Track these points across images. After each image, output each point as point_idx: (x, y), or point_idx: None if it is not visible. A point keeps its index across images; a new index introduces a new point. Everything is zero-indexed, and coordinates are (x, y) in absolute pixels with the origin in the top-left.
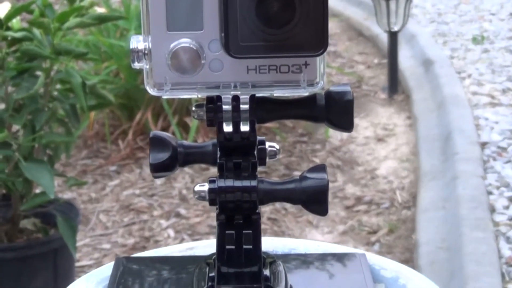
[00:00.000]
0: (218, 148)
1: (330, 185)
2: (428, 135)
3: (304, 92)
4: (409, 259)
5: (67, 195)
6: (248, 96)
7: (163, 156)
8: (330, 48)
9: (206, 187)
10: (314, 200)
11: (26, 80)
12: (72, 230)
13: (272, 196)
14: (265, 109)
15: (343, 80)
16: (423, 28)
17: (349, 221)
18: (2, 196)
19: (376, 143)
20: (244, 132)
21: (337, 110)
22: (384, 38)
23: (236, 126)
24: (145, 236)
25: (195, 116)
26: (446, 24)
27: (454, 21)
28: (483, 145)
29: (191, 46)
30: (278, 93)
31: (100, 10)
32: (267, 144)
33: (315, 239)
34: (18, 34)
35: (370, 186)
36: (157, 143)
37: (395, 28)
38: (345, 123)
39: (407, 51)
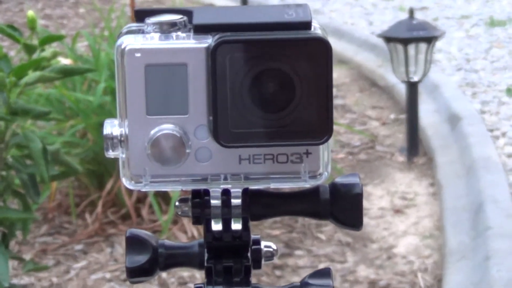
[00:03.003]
0: (205, 249)
1: (339, 266)
2: (456, 206)
3: (305, 185)
4: None
5: (23, 280)
6: (240, 190)
7: (141, 258)
8: (338, 101)
9: None
10: None
11: None
12: None
13: None
14: (260, 205)
15: (353, 140)
16: (448, 77)
17: None
18: None
19: (394, 216)
20: (236, 231)
21: (343, 205)
22: (401, 88)
23: (227, 224)
24: None
25: (179, 213)
26: (475, 72)
27: (485, 68)
28: None
29: (174, 132)
30: (275, 185)
31: (65, 61)
32: (263, 244)
33: None
34: None
35: (387, 268)
36: (134, 244)
37: (415, 78)
38: (353, 220)
39: (430, 105)
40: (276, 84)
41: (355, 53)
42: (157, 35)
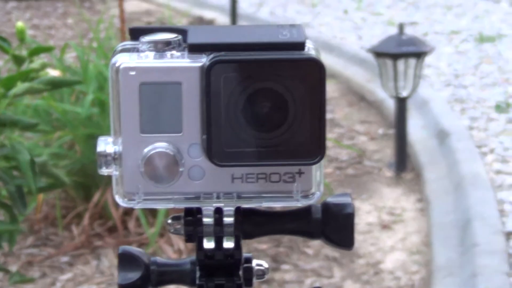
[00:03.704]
0: (197, 267)
1: (326, 281)
2: (443, 222)
3: (297, 204)
4: None
5: None
6: (232, 208)
7: (134, 276)
8: (326, 116)
9: None
10: None
11: None
12: None
13: None
14: (253, 223)
15: (341, 154)
16: (437, 92)
17: None
18: None
19: (381, 231)
20: (228, 249)
21: (335, 225)
22: (390, 104)
23: (219, 242)
24: None
25: (171, 230)
26: (464, 88)
27: (474, 84)
28: (509, 235)
29: (168, 151)
30: (267, 204)
31: (54, 72)
32: (254, 262)
33: None
34: None
35: (374, 283)
36: (127, 261)
37: (404, 94)
38: (345, 240)
39: (418, 120)
40: (270, 104)
41: (344, 67)
42: (151, 53)
